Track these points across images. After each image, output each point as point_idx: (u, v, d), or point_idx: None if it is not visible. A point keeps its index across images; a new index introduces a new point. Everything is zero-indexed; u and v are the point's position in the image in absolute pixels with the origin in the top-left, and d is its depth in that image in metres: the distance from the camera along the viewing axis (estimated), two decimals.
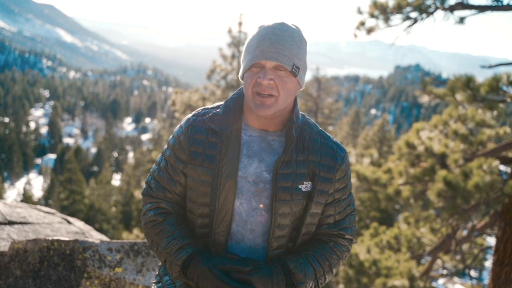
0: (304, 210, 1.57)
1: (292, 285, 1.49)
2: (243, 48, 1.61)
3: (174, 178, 1.64)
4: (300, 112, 1.68)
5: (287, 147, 1.55)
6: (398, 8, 6.31)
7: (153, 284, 1.76)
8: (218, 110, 1.66)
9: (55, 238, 2.85)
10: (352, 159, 10.02)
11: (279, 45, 1.45)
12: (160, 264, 1.77)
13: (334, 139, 1.69)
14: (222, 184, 1.53)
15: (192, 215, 1.63)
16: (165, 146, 1.73)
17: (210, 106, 1.70)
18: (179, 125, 1.71)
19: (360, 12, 6.79)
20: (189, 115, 1.69)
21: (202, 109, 1.69)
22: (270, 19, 1.56)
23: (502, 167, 6.09)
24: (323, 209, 1.63)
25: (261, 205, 1.55)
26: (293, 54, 1.48)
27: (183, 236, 1.56)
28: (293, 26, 1.54)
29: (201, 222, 1.59)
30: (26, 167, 73.40)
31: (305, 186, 1.56)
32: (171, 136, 1.73)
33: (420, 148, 6.79)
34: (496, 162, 5.69)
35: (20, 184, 63.85)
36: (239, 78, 1.60)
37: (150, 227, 1.64)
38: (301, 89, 1.60)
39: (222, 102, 1.69)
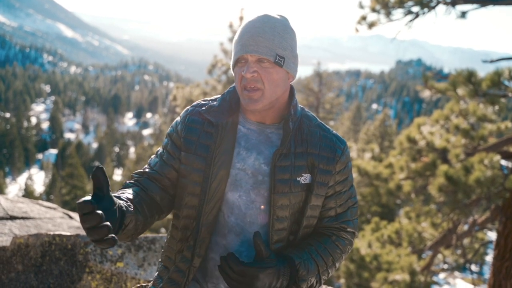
0: (304, 203, 1.56)
1: (295, 282, 1.49)
2: None
3: (168, 162, 1.64)
4: (300, 105, 1.67)
5: (284, 139, 1.54)
6: (400, 3, 6.29)
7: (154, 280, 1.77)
8: (215, 102, 1.66)
9: (57, 233, 2.86)
10: (353, 154, 10.02)
11: (258, 38, 1.46)
12: (160, 260, 1.78)
13: (334, 131, 1.68)
14: (214, 173, 1.53)
15: (179, 204, 1.63)
16: (165, 138, 1.74)
17: (209, 98, 1.71)
18: (178, 116, 1.72)
19: (361, 6, 6.77)
20: (188, 106, 1.70)
21: (201, 101, 1.70)
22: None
23: (503, 162, 6.08)
24: (323, 202, 1.62)
25: (262, 206, 1.54)
26: (275, 44, 1.47)
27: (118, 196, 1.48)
28: (277, 17, 1.53)
29: (186, 212, 1.58)
30: (28, 162, 73.52)
31: (304, 178, 1.55)
32: (170, 126, 1.73)
33: (422, 143, 6.79)
34: (497, 157, 5.69)
35: (22, 179, 63.94)
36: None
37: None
38: (294, 78, 1.59)
39: (220, 96, 1.70)
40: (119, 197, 1.42)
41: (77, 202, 1.12)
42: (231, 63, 1.57)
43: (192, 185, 1.57)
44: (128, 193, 1.49)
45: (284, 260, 1.50)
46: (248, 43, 1.46)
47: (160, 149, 1.72)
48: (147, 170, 1.67)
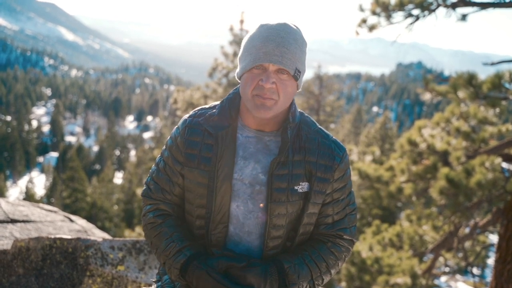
0: (301, 211, 1.55)
1: (285, 285, 1.49)
2: (241, 45, 1.57)
3: (173, 179, 1.64)
4: (299, 110, 1.66)
5: (282, 148, 1.53)
6: (400, 6, 6.29)
7: (153, 283, 1.76)
8: (214, 110, 1.64)
9: (58, 236, 2.86)
10: (354, 156, 10.02)
11: (283, 48, 1.42)
12: (157, 272, 1.78)
13: (333, 137, 1.66)
14: (218, 187, 1.52)
15: (190, 216, 1.63)
16: (164, 147, 1.73)
17: (207, 106, 1.69)
18: (176, 126, 1.70)
19: (362, 9, 6.77)
20: (186, 116, 1.68)
21: (199, 110, 1.68)
22: (271, 18, 1.54)
23: (505, 165, 6.07)
24: (321, 209, 1.61)
25: (261, 205, 1.54)
26: (296, 58, 1.46)
27: (181, 238, 1.57)
28: (295, 27, 1.51)
29: (199, 223, 1.59)
30: (29, 166, 73.55)
31: (302, 187, 1.54)
32: (169, 137, 1.72)
33: (422, 146, 6.78)
34: (498, 160, 5.68)
35: (23, 182, 63.94)
36: (236, 77, 1.57)
37: (149, 229, 1.64)
38: (298, 91, 1.59)
39: (218, 102, 1.67)
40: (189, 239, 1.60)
41: None
42: (242, 65, 1.52)
43: (198, 198, 1.57)
44: (179, 231, 1.60)
45: (272, 263, 1.51)
46: (273, 52, 1.42)
47: (160, 159, 1.71)
48: (154, 188, 1.68)
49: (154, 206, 1.66)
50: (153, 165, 1.74)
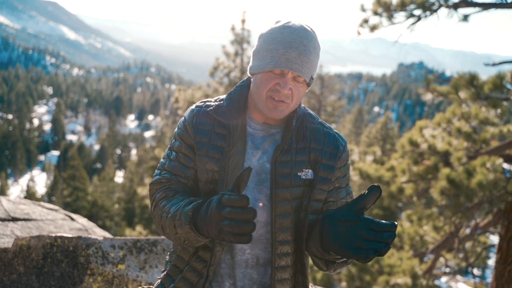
0: (308, 199, 1.56)
1: None
2: (260, 39, 1.55)
3: (188, 165, 1.61)
4: (302, 105, 1.70)
5: (285, 135, 1.57)
6: (402, 6, 6.29)
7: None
8: (222, 102, 1.65)
9: (58, 234, 2.86)
10: (355, 156, 10.01)
11: (304, 58, 1.46)
12: (167, 260, 1.76)
13: (335, 130, 1.71)
14: (229, 175, 1.53)
15: None
16: (172, 140, 1.71)
17: (212, 99, 1.70)
18: (183, 117, 1.69)
19: (363, 9, 6.78)
20: (193, 106, 1.68)
21: (205, 101, 1.69)
22: (276, 17, 1.54)
23: (506, 165, 6.07)
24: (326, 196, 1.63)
25: (260, 204, 1.55)
26: (313, 66, 1.51)
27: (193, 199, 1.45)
28: (313, 32, 1.53)
29: None
30: (30, 164, 73.69)
31: (305, 173, 1.56)
32: (176, 129, 1.71)
33: (423, 146, 6.78)
34: (499, 160, 5.67)
35: (24, 180, 64.12)
36: (248, 71, 1.59)
37: (159, 204, 1.55)
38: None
39: (225, 96, 1.69)
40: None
41: (233, 196, 1.13)
42: (259, 63, 1.52)
43: (206, 186, 1.57)
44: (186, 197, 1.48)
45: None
46: (295, 61, 1.45)
47: (170, 152, 1.68)
48: (167, 175, 1.62)
49: (166, 185, 1.61)
50: (162, 159, 1.70)
